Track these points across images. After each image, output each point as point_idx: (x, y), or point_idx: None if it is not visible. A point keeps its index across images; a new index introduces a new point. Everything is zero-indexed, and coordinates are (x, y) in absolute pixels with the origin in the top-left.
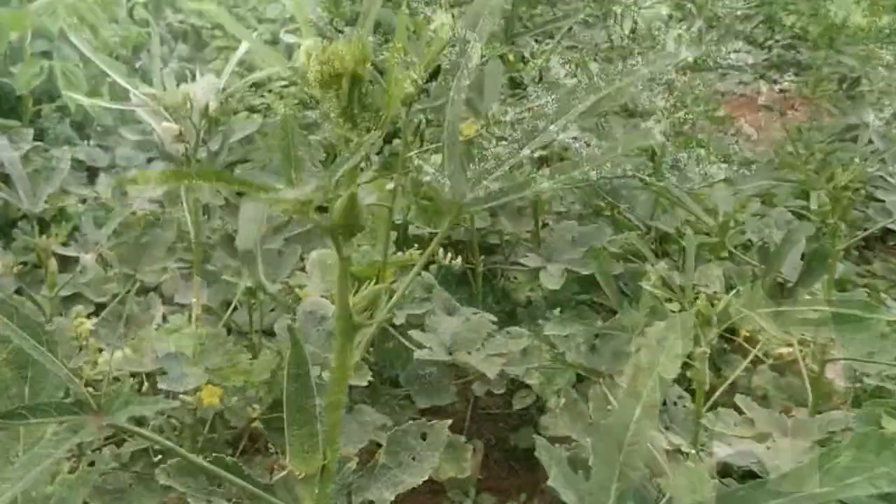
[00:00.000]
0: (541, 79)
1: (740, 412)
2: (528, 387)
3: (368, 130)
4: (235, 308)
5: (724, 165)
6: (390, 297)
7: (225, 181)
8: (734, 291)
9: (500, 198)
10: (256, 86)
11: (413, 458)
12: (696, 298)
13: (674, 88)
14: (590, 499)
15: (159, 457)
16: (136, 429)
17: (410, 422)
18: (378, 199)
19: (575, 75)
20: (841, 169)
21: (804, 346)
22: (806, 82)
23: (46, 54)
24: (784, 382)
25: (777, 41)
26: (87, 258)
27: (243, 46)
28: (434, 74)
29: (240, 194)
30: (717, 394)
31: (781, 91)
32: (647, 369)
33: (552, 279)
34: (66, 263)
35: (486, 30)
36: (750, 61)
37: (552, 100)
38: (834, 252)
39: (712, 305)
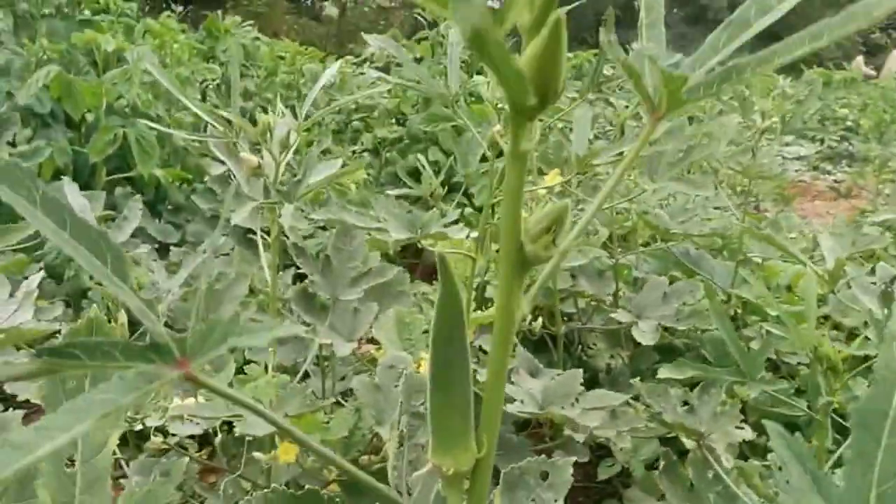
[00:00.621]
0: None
1: None
2: (612, 455)
3: None
4: (307, 374)
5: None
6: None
7: None
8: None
9: (722, 83)
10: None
11: (533, 501)
12: (820, 345)
13: (756, 151)
14: None
15: None
16: (226, 389)
17: (529, 459)
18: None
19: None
20: None
21: None
22: (861, 172)
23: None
24: None
25: (830, 133)
26: (160, 307)
27: (322, 79)
28: None
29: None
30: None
31: (836, 181)
32: None
33: (646, 335)
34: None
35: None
36: (803, 153)
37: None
38: None
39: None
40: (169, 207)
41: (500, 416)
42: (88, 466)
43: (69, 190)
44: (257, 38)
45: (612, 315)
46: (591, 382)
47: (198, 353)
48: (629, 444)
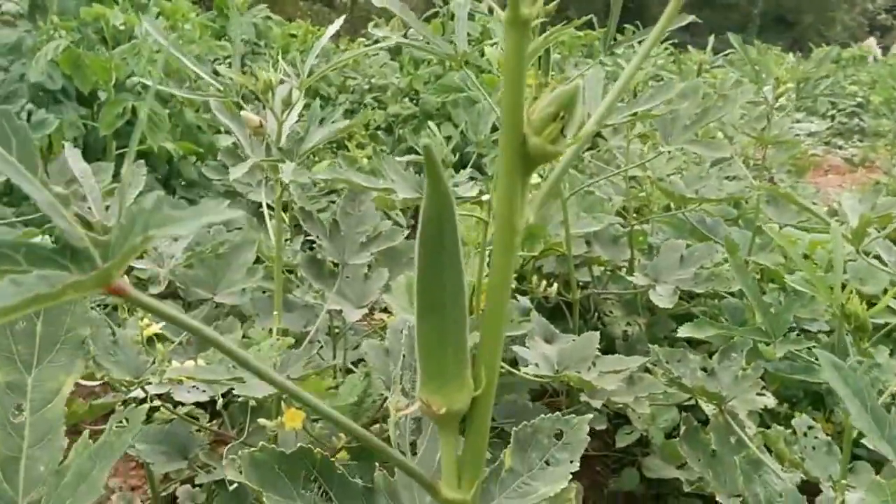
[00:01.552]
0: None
1: None
2: (630, 423)
3: None
4: (320, 345)
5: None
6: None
7: None
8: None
9: None
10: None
11: (547, 463)
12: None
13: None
14: None
15: (235, 485)
16: (149, 299)
17: (542, 416)
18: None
19: None
20: None
21: None
22: (872, 146)
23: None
24: None
25: (840, 110)
26: (162, 271)
27: (326, 35)
28: None
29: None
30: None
31: (852, 156)
32: None
33: (663, 299)
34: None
35: None
36: (814, 129)
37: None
38: None
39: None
40: (182, 183)
41: (501, 345)
42: (38, 417)
43: (70, 154)
44: (269, 18)
45: (629, 279)
46: (607, 350)
47: (111, 255)
48: (648, 410)
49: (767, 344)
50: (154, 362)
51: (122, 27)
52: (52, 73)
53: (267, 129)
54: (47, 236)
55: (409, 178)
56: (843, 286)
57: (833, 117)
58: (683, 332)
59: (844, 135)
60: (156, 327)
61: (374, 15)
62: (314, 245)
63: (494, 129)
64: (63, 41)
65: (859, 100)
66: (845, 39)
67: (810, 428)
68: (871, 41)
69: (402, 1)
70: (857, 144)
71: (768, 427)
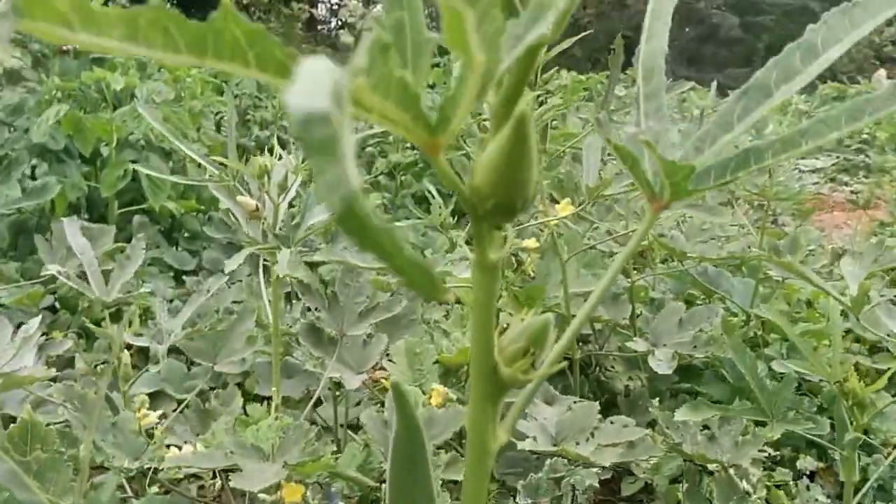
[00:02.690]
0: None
1: None
2: (633, 473)
3: None
4: (320, 402)
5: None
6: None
7: None
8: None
9: (738, 170)
10: None
11: None
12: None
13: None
14: None
15: None
16: None
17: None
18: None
19: None
20: None
21: None
22: (878, 182)
23: (134, 163)
24: None
25: (846, 146)
26: (161, 349)
27: None
28: None
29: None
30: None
31: (853, 192)
32: None
33: (661, 364)
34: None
35: None
36: (819, 165)
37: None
38: None
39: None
40: (185, 235)
41: None
42: None
43: (70, 228)
44: None
45: (628, 343)
46: (609, 405)
47: None
48: (652, 462)
49: (765, 424)
50: (152, 444)
51: (123, 87)
52: (55, 133)
53: (263, 212)
54: (52, 294)
55: None
56: (848, 331)
57: (839, 154)
58: (681, 416)
59: (850, 171)
60: (153, 417)
61: None
62: (314, 309)
63: None
64: (64, 106)
65: (865, 136)
66: (851, 72)
67: (811, 479)
68: (882, 73)
69: None
70: (862, 181)
71: (772, 470)
